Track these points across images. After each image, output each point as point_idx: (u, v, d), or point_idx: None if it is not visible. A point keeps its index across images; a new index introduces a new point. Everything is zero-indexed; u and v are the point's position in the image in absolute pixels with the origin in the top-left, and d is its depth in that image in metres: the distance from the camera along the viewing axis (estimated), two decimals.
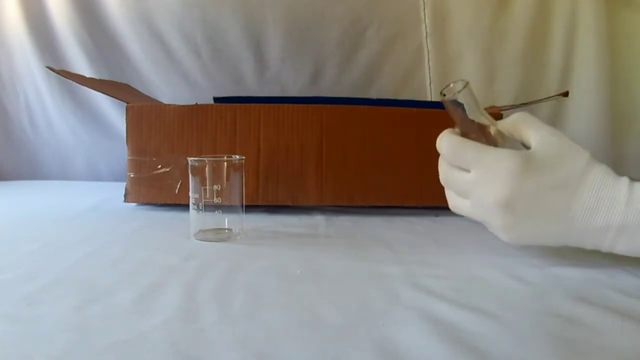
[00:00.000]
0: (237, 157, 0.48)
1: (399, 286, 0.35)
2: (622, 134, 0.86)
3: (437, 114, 0.63)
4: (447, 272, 0.38)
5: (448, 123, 0.62)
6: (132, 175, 0.62)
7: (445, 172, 0.40)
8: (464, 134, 0.40)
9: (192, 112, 0.61)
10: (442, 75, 0.90)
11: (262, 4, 0.88)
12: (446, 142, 0.39)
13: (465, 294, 0.34)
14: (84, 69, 0.89)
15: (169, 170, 0.61)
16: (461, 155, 0.38)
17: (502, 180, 0.35)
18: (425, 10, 0.89)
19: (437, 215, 0.61)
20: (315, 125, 0.60)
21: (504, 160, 0.35)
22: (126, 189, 0.62)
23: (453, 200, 0.41)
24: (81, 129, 0.93)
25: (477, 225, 0.57)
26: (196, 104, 0.63)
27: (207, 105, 0.62)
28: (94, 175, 0.95)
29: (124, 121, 0.61)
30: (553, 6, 0.87)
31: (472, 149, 0.37)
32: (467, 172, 0.37)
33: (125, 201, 0.61)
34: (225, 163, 0.47)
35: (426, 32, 0.89)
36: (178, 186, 0.60)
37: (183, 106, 0.62)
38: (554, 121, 0.88)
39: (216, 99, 0.64)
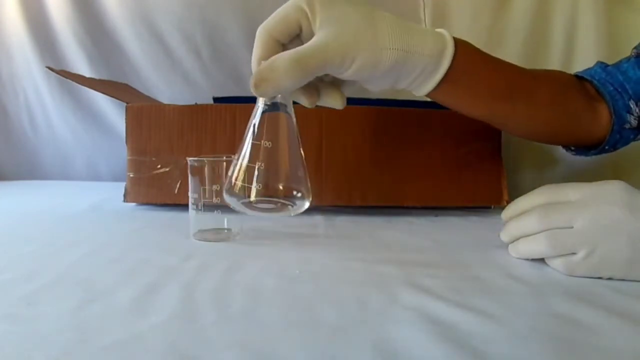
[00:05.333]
0: None
1: (397, 286, 0.35)
2: None
3: (437, 114, 0.63)
4: (446, 272, 0.38)
5: (448, 123, 0.62)
6: (131, 175, 0.62)
7: (543, 212, 0.38)
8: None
9: (191, 112, 0.61)
10: None
11: (262, 4, 0.88)
12: (543, 189, 0.40)
13: (464, 294, 0.34)
14: (84, 68, 0.90)
15: (169, 170, 0.61)
16: (561, 187, 0.39)
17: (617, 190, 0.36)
18: (425, 10, 0.89)
19: (436, 215, 0.61)
20: (314, 125, 0.60)
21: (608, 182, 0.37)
22: (125, 189, 0.62)
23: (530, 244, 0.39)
24: (81, 129, 0.93)
25: (476, 226, 0.57)
26: (196, 103, 0.63)
27: (207, 105, 0.62)
28: (94, 175, 0.95)
29: (124, 121, 0.61)
30: (553, 6, 0.87)
31: (570, 185, 0.39)
32: (569, 201, 0.38)
33: (124, 201, 0.61)
34: (225, 163, 0.47)
35: None
36: (177, 186, 0.60)
37: (183, 106, 0.62)
38: None
39: (216, 99, 0.64)
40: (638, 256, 0.35)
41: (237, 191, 0.38)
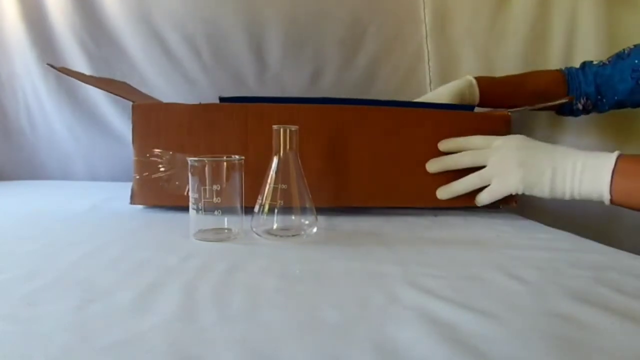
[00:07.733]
0: (237, 157, 0.48)
1: (398, 286, 0.35)
2: (622, 134, 0.86)
3: (437, 115, 0.63)
4: (446, 272, 0.38)
5: (448, 123, 0.62)
6: (137, 177, 0.60)
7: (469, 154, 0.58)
8: None
9: (201, 112, 0.59)
10: (442, 75, 0.90)
11: (262, 4, 0.89)
12: (475, 137, 0.60)
13: (465, 293, 0.34)
14: (83, 68, 0.89)
15: (177, 172, 0.59)
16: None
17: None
18: (425, 10, 0.89)
19: (436, 215, 0.61)
20: (315, 126, 0.60)
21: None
22: (132, 191, 0.60)
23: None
24: (79, 129, 0.93)
25: (476, 225, 0.57)
26: (200, 103, 0.61)
27: (215, 104, 0.61)
28: (93, 176, 0.95)
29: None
30: (553, 6, 0.87)
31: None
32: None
33: (131, 203, 0.60)
34: (225, 163, 0.47)
35: (426, 32, 0.89)
36: (187, 188, 0.59)
37: (190, 105, 0.60)
38: (554, 121, 0.88)
39: (222, 99, 0.62)
40: (526, 171, 0.53)
41: (263, 223, 0.48)
